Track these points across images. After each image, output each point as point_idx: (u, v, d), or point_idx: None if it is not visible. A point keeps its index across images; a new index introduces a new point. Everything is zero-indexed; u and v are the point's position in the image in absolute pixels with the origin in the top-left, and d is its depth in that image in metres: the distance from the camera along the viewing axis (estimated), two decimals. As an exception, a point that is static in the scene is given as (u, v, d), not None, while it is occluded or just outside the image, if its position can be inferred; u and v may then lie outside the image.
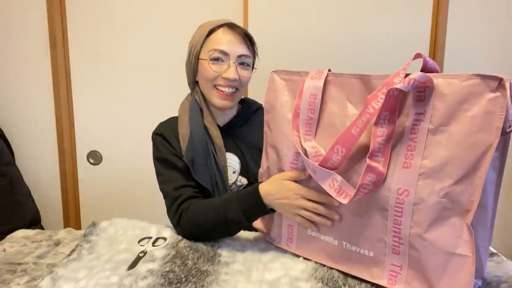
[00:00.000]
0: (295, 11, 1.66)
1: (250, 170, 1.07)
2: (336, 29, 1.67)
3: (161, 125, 1.09)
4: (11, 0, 1.74)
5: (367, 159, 0.67)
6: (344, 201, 0.69)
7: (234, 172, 1.07)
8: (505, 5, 1.61)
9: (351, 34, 1.67)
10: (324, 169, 0.72)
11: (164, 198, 1.00)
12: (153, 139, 1.07)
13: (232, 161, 1.06)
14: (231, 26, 1.02)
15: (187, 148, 0.98)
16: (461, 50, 1.64)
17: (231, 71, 0.99)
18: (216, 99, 1.02)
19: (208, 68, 0.99)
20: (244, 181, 1.08)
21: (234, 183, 1.07)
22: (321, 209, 0.78)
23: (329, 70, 0.78)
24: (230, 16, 1.65)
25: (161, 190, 1.01)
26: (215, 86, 1.01)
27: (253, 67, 1.07)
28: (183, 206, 0.94)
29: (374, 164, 0.66)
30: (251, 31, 1.08)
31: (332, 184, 0.72)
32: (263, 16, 1.67)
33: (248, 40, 1.04)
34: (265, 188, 0.85)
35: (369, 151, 0.67)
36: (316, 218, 0.79)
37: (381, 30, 1.65)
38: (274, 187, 0.83)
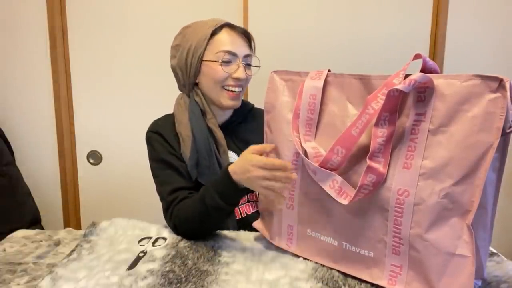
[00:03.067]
0: (295, 11, 1.66)
1: None
2: (336, 29, 1.67)
3: (156, 122, 1.08)
4: (12, 1, 1.74)
5: (367, 160, 0.67)
6: (345, 201, 0.69)
7: None
8: (505, 5, 1.61)
9: (351, 34, 1.67)
10: (324, 170, 0.72)
11: (161, 201, 1.00)
12: (148, 137, 1.05)
13: (232, 159, 1.06)
14: (231, 26, 1.03)
15: (191, 151, 0.98)
16: (461, 50, 1.64)
17: (241, 72, 1.01)
18: (226, 100, 1.02)
19: (219, 70, 1.00)
20: None
21: None
22: (277, 174, 0.76)
23: (329, 71, 0.78)
24: (230, 16, 1.66)
25: (158, 192, 1.01)
26: (223, 87, 1.02)
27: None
28: (176, 208, 0.94)
29: (374, 164, 0.66)
30: (251, 31, 1.09)
31: (332, 185, 0.72)
32: (263, 16, 1.67)
33: (248, 38, 1.06)
34: (232, 167, 0.84)
35: (370, 152, 0.67)
36: (277, 185, 0.77)
37: (381, 30, 1.65)
38: (238, 163, 0.82)
